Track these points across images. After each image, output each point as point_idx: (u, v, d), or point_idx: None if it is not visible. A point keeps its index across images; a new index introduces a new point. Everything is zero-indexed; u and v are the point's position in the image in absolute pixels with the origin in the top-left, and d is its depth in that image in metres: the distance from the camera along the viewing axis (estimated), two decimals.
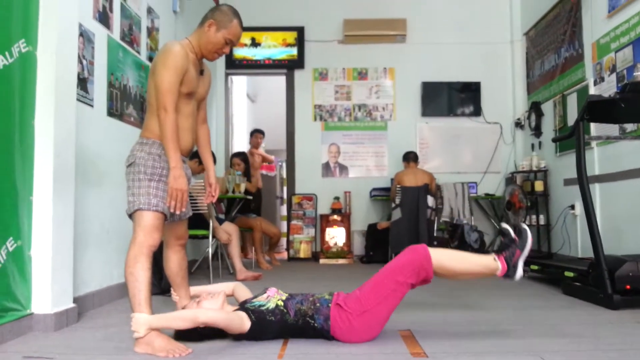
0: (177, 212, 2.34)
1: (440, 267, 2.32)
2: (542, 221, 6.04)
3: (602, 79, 4.91)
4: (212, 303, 2.34)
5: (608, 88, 4.74)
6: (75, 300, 2.87)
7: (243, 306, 2.34)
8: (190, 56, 2.41)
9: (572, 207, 5.42)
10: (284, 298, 2.38)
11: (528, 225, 5.92)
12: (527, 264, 4.47)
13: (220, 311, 2.27)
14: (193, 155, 4.54)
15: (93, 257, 3.35)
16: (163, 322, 2.16)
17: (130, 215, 2.35)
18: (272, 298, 2.37)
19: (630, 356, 2.08)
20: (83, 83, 3.27)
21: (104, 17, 3.59)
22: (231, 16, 2.46)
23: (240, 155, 6.05)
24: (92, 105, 3.40)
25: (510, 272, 2.33)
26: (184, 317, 2.20)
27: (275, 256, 6.14)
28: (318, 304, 2.33)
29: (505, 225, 2.51)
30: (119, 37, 3.82)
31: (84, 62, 3.30)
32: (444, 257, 2.35)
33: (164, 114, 2.28)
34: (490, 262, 2.36)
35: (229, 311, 2.30)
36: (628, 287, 3.12)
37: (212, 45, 2.46)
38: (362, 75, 7.10)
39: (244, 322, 2.24)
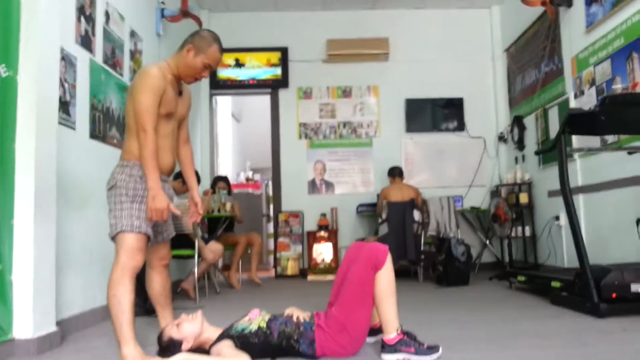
0: (160, 222, 2.31)
1: (380, 278, 2.33)
2: (527, 232, 6.07)
3: (582, 93, 4.99)
4: (192, 325, 2.30)
5: (588, 101, 4.82)
6: (58, 323, 2.83)
7: (228, 333, 2.30)
8: (167, 77, 2.41)
9: (557, 218, 5.46)
10: (266, 319, 2.36)
11: (513, 237, 6.01)
12: (514, 275, 4.52)
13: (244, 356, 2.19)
14: (177, 176, 4.53)
15: (76, 280, 3.30)
16: None
17: (113, 238, 2.33)
18: (254, 320, 2.35)
19: None
20: (65, 106, 3.26)
21: (86, 41, 3.59)
22: (210, 41, 2.46)
23: (224, 179, 6.02)
24: (74, 128, 3.38)
25: (388, 348, 2.29)
26: None
27: (257, 274, 5.97)
28: (302, 328, 2.32)
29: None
30: (101, 60, 3.83)
31: (66, 85, 3.30)
32: (388, 276, 2.36)
33: (143, 135, 2.27)
34: (392, 324, 2.31)
35: (234, 354, 2.20)
36: (614, 295, 3.14)
37: (190, 70, 2.46)
38: (346, 93, 7.15)
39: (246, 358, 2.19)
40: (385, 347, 2.30)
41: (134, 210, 2.30)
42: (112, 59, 4.02)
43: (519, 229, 6.08)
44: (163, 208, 2.26)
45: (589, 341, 2.50)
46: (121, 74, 4.16)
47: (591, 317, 3.10)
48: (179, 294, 4.59)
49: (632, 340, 2.53)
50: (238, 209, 5.85)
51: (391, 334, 2.30)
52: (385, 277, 2.34)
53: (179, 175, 4.34)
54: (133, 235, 2.28)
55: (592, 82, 4.80)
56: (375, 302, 2.34)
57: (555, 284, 3.73)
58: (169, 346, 2.23)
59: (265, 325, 2.32)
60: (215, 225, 5.65)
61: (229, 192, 5.89)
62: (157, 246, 2.52)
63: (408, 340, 2.30)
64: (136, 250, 2.28)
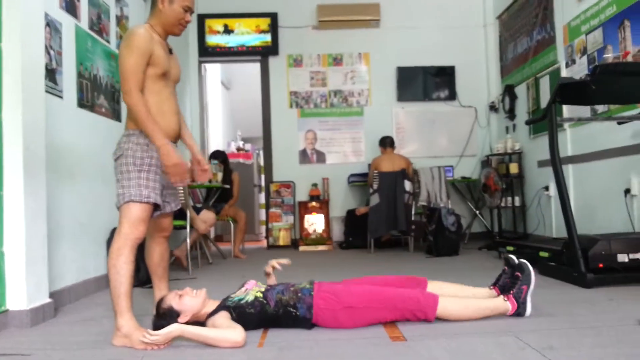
0: (184, 184, 2.29)
1: (446, 315, 2.35)
2: (517, 202, 6.13)
3: (574, 62, 4.97)
4: (194, 301, 2.30)
5: (579, 70, 4.80)
6: (51, 295, 2.83)
7: (224, 304, 2.32)
8: (155, 37, 2.35)
9: (547, 188, 5.51)
10: (262, 289, 2.38)
11: (503, 207, 6.06)
12: (503, 245, 4.57)
13: (229, 332, 2.15)
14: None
15: (68, 251, 3.30)
16: (194, 335, 2.12)
17: (119, 208, 2.30)
18: (251, 291, 2.36)
19: (604, 333, 2.13)
20: (51, 74, 3.20)
21: (70, 6, 3.50)
22: None
23: (220, 155, 5.97)
24: (61, 97, 3.32)
25: (520, 310, 2.40)
26: (221, 339, 2.11)
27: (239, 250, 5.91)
28: (300, 294, 2.33)
29: (511, 257, 2.60)
30: (87, 26, 3.74)
31: (52, 52, 3.22)
32: (452, 308, 2.37)
33: (128, 97, 2.22)
34: (500, 305, 2.41)
35: (234, 325, 2.21)
36: (601, 265, 3.19)
37: (173, 19, 2.41)
38: (337, 61, 7.07)
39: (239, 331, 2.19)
40: (520, 312, 2.39)
41: (142, 180, 2.27)
42: (98, 25, 3.92)
43: (509, 199, 6.13)
44: (179, 162, 2.23)
45: (575, 311, 2.55)
46: (108, 41, 4.07)
47: (578, 287, 3.15)
48: (172, 263, 4.61)
49: (618, 309, 2.58)
50: (237, 184, 5.87)
51: (507, 309, 2.39)
52: (452, 312, 2.36)
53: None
54: (139, 205, 2.25)
55: (584, 51, 4.78)
56: (466, 320, 2.38)
57: (544, 254, 3.78)
58: (167, 315, 2.23)
59: (261, 295, 2.33)
60: (208, 196, 5.66)
61: (227, 169, 5.83)
62: (161, 217, 2.50)
63: (513, 291, 2.41)
64: (140, 220, 2.25)
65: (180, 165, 2.25)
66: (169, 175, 2.27)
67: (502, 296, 2.45)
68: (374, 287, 2.40)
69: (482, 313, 2.40)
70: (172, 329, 2.10)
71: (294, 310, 2.30)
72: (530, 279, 2.44)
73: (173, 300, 2.27)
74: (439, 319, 2.35)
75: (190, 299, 2.28)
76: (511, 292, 2.43)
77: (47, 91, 3.01)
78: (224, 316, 2.23)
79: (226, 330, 2.14)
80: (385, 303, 2.32)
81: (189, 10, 2.44)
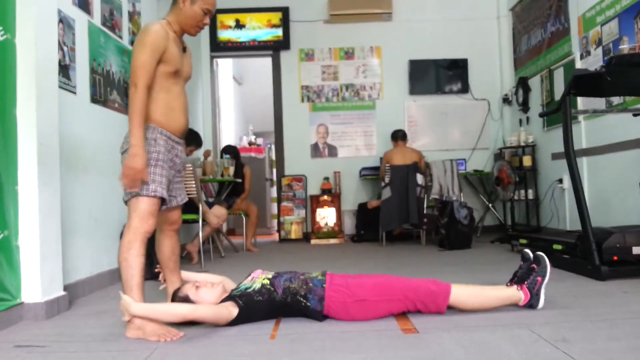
0: (128, 190, 2.27)
1: (459, 304, 2.35)
2: (530, 195, 6.08)
3: (589, 53, 4.91)
4: (211, 293, 2.33)
5: (594, 62, 4.74)
6: (65, 288, 2.86)
7: (231, 294, 2.33)
8: (170, 35, 2.36)
9: (560, 181, 5.45)
10: (269, 277, 2.38)
11: (516, 200, 6.01)
12: (515, 238, 4.54)
13: (208, 307, 2.22)
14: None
15: (82, 245, 3.33)
16: (149, 312, 2.13)
17: (127, 202, 2.32)
18: (257, 279, 2.37)
19: (618, 326, 2.11)
20: (65, 70, 3.22)
21: (83, 3, 3.52)
22: None
23: (232, 150, 5.99)
24: (74, 92, 3.35)
25: (533, 301, 2.39)
26: (172, 313, 2.15)
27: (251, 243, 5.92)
28: (311, 284, 2.33)
29: (526, 250, 2.59)
30: (100, 22, 3.76)
31: (65, 48, 3.25)
32: (465, 296, 2.36)
33: (133, 90, 2.22)
34: (513, 294, 2.40)
35: (217, 305, 2.27)
36: (615, 258, 3.16)
37: (191, 20, 2.42)
38: (348, 54, 7.05)
39: (231, 312, 2.23)
40: (532, 303, 2.39)
41: (150, 174, 2.28)
42: (111, 21, 3.95)
43: (522, 191, 6.08)
44: (139, 168, 2.20)
45: (589, 304, 2.53)
46: (120, 36, 4.09)
47: (592, 279, 3.13)
48: (184, 257, 4.64)
49: (632, 302, 2.55)
50: (249, 178, 5.90)
51: (520, 298, 2.39)
52: (465, 300, 2.35)
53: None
54: (147, 199, 2.27)
55: (599, 42, 4.72)
56: (479, 310, 2.38)
57: (557, 246, 3.76)
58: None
59: (268, 282, 2.33)
60: (220, 190, 5.68)
61: (238, 164, 5.85)
62: (169, 211, 2.52)
63: (527, 282, 2.41)
64: (149, 214, 2.27)
65: (136, 172, 2.20)
66: (122, 175, 2.23)
67: (515, 286, 2.43)
68: (385, 279, 2.40)
69: (495, 302, 2.39)
70: (126, 305, 2.11)
71: (304, 301, 2.30)
72: (546, 272, 2.42)
73: (190, 291, 2.31)
74: (451, 308, 2.34)
75: (206, 291, 2.31)
76: (525, 282, 2.42)
77: (60, 87, 3.03)
78: (222, 303, 2.26)
79: (178, 305, 2.21)
80: (397, 294, 2.31)
81: (208, 13, 2.45)
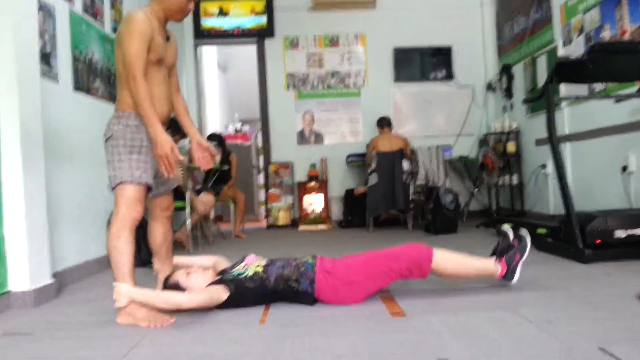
0: (171, 176, 2.29)
1: (438, 269, 2.38)
2: (515, 181, 6.15)
3: (571, 41, 4.96)
4: (202, 278, 2.34)
5: (576, 49, 4.79)
6: (53, 276, 2.85)
7: (221, 277, 2.35)
8: (154, 23, 2.34)
9: (544, 166, 5.52)
10: (263, 264, 2.40)
11: (501, 186, 6.08)
12: (500, 222, 4.60)
13: (201, 293, 2.24)
14: (168, 126, 4.47)
15: (69, 233, 3.31)
16: (145, 297, 2.15)
17: (113, 189, 2.31)
18: (251, 265, 2.38)
19: (602, 307, 2.16)
20: (46, 58, 3.18)
21: None
22: None
23: (217, 137, 5.95)
24: (57, 81, 3.31)
25: (508, 275, 2.43)
26: (167, 301, 2.16)
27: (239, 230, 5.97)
28: (302, 268, 2.35)
29: (505, 228, 2.61)
30: (81, 9, 3.71)
31: (46, 36, 3.20)
32: (445, 261, 2.39)
33: (133, 82, 2.22)
34: (490, 266, 2.45)
35: (207, 289, 2.28)
36: (598, 241, 3.22)
37: (176, 6, 2.39)
38: (333, 42, 7.03)
39: (220, 295, 2.25)
40: (507, 277, 2.42)
41: (133, 161, 2.27)
42: (92, 9, 3.89)
43: (507, 177, 6.16)
44: (167, 153, 2.23)
45: (574, 286, 2.58)
46: (102, 24, 4.04)
47: (576, 262, 3.19)
48: (173, 245, 4.62)
49: (615, 284, 2.60)
50: (235, 165, 5.89)
51: (496, 271, 2.43)
52: (445, 264, 2.38)
53: (169, 126, 4.30)
54: (133, 186, 2.26)
55: (581, 30, 4.76)
56: (457, 276, 2.44)
57: (541, 230, 3.81)
58: (173, 290, 2.30)
59: (261, 270, 2.35)
60: (206, 178, 5.67)
61: (224, 148, 5.83)
62: (160, 197, 2.51)
63: (506, 256, 2.44)
64: (136, 201, 2.27)
65: (169, 157, 2.23)
66: (158, 164, 2.27)
67: (493, 258, 2.48)
68: (367, 256, 2.41)
69: (473, 271, 2.45)
70: (124, 290, 2.14)
71: (296, 285, 2.32)
72: (526, 249, 2.48)
73: (181, 277, 2.33)
74: (434, 274, 2.40)
75: (196, 277, 2.33)
76: (504, 256, 2.47)
77: (42, 75, 2.99)
78: (212, 286, 2.28)
79: (175, 294, 2.22)
80: (382, 268, 2.34)
81: None
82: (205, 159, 2.58)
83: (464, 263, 2.44)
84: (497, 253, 2.52)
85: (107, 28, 4.11)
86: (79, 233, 3.46)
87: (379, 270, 2.34)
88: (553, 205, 5.36)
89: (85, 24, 3.75)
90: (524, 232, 2.54)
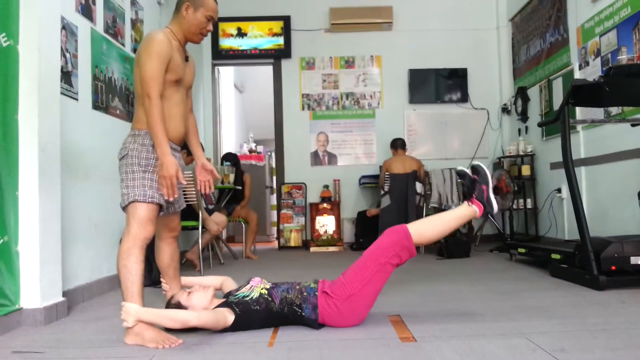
0: (171, 199, 2.32)
1: (422, 239, 2.39)
2: (529, 205, 6.09)
3: (587, 63, 4.94)
4: (203, 297, 2.34)
5: (593, 72, 4.77)
6: (64, 294, 2.87)
7: (227, 300, 2.34)
8: (173, 43, 2.39)
9: (559, 190, 5.47)
10: (267, 287, 2.39)
11: (515, 209, 6.02)
12: (515, 247, 4.54)
13: (209, 314, 2.23)
14: (182, 147, 4.53)
15: (82, 251, 3.34)
16: (152, 317, 2.16)
17: (124, 208, 2.33)
18: (256, 288, 2.38)
19: (616, 336, 2.11)
20: (67, 76, 3.25)
21: (86, 10, 3.55)
22: None
23: (232, 158, 6.00)
24: (76, 99, 3.37)
25: (488, 209, 2.43)
26: (174, 318, 2.16)
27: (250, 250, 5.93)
28: (305, 293, 2.34)
29: (460, 168, 2.64)
30: (102, 29, 3.79)
31: (68, 55, 3.27)
32: (423, 228, 2.41)
33: (148, 102, 2.25)
34: (466, 210, 2.46)
35: (214, 310, 2.28)
36: (613, 268, 3.17)
37: (195, 27, 2.44)
38: (349, 63, 7.09)
39: (227, 318, 2.24)
40: (488, 212, 2.44)
41: (147, 180, 2.30)
42: (113, 28, 3.98)
43: (521, 201, 6.10)
44: (171, 175, 2.25)
45: (588, 314, 2.53)
46: (123, 44, 4.12)
47: (590, 289, 3.13)
48: (184, 264, 4.64)
49: (631, 312, 2.55)
50: (249, 185, 5.91)
51: (475, 211, 2.44)
52: (424, 232, 2.39)
53: (184, 146, 4.35)
54: (145, 205, 2.28)
55: (598, 53, 4.75)
56: (442, 235, 2.46)
57: (556, 256, 3.76)
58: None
59: (266, 292, 2.35)
60: (220, 197, 5.70)
61: (238, 171, 5.87)
62: (168, 217, 2.53)
63: (475, 194, 2.45)
64: (148, 220, 2.29)
65: (170, 178, 2.25)
66: (160, 186, 2.28)
67: (465, 202, 2.47)
68: (355, 265, 2.39)
69: (454, 223, 2.45)
70: (132, 310, 2.13)
71: (299, 310, 2.31)
72: (488, 178, 2.47)
73: (181, 297, 2.34)
74: (422, 244, 2.45)
75: (198, 296, 2.33)
76: (473, 195, 2.45)
77: (62, 93, 3.05)
78: (218, 308, 2.27)
79: (182, 311, 2.21)
80: (373, 268, 2.33)
81: (211, 20, 2.47)
82: (206, 184, 2.62)
83: (442, 221, 2.45)
84: (467, 195, 2.52)
85: (127, 48, 4.20)
86: (92, 251, 3.48)
87: (370, 272, 2.33)
88: (568, 230, 5.30)
89: (106, 43, 3.82)
90: (476, 163, 2.57)
